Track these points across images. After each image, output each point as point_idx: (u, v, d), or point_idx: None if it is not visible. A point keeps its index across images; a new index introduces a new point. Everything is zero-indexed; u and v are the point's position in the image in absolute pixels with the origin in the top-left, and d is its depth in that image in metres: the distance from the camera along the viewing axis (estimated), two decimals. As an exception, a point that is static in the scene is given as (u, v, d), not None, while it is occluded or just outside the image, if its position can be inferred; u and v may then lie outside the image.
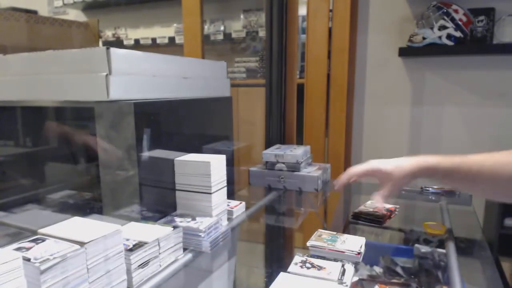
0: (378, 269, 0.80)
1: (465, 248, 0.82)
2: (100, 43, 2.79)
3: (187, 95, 1.05)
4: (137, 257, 0.68)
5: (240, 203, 1.08)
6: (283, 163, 1.36)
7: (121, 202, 0.85)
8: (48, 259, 0.53)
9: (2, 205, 1.02)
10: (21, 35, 1.21)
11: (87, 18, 3.38)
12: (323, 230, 0.86)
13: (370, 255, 0.79)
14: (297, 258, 0.74)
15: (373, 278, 0.74)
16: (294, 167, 1.35)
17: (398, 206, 1.11)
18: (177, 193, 0.94)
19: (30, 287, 0.52)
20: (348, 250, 0.76)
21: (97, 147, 0.84)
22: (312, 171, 1.36)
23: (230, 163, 1.12)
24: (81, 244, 0.57)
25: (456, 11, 1.68)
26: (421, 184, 1.34)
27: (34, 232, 0.62)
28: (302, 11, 1.95)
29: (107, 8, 3.29)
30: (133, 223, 0.80)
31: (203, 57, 2.13)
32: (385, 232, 1.01)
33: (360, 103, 2.04)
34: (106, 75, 0.79)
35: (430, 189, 1.32)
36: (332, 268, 0.71)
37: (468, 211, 1.16)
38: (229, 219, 1.01)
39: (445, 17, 1.69)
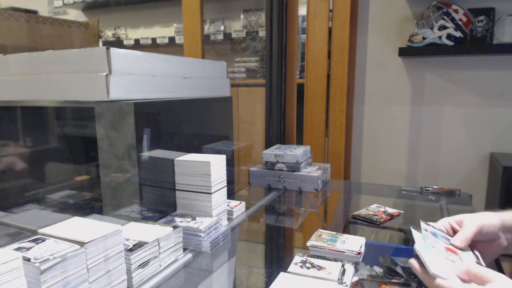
0: (378, 269, 0.80)
1: (465, 248, 0.81)
2: (100, 43, 2.79)
3: (187, 95, 1.05)
4: (137, 257, 0.68)
5: (240, 203, 1.08)
6: (283, 163, 1.36)
7: (121, 202, 0.85)
8: (48, 259, 0.53)
9: (3, 205, 1.02)
10: (21, 35, 1.21)
11: (87, 18, 3.38)
12: (323, 230, 0.86)
13: (370, 255, 0.79)
14: (297, 258, 0.74)
15: (373, 278, 0.74)
16: (294, 167, 1.35)
17: (402, 212, 1.11)
18: (177, 193, 0.94)
19: (30, 287, 0.52)
20: (348, 250, 0.76)
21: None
22: (312, 171, 1.36)
23: (230, 163, 1.12)
24: (81, 244, 0.57)
25: (456, 11, 1.68)
26: (421, 184, 1.34)
27: (34, 232, 0.62)
28: (302, 11, 1.95)
29: (107, 8, 3.29)
30: (133, 223, 0.80)
31: (203, 57, 2.13)
32: (385, 232, 1.01)
33: (360, 103, 2.04)
34: (106, 75, 0.79)
35: (430, 189, 1.32)
36: (332, 268, 0.71)
37: (468, 211, 1.16)
38: (229, 219, 1.01)
39: (445, 17, 1.69)
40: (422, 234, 0.68)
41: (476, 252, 0.67)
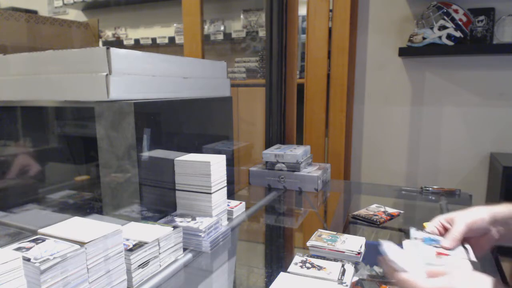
0: (378, 269, 0.80)
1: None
2: (100, 43, 2.79)
3: (187, 95, 1.05)
4: (137, 257, 0.68)
5: (240, 203, 1.08)
6: (283, 163, 1.36)
7: (121, 202, 0.85)
8: (48, 259, 0.53)
9: (3, 205, 1.02)
10: (21, 35, 1.21)
11: (87, 18, 3.38)
12: (323, 230, 0.86)
13: (370, 255, 0.79)
14: (297, 258, 0.74)
15: (373, 278, 0.74)
16: (294, 167, 1.35)
17: (402, 212, 1.11)
18: (177, 193, 0.94)
19: (30, 287, 0.52)
20: (348, 250, 0.76)
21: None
22: (312, 171, 1.36)
23: (230, 163, 1.12)
24: (81, 244, 0.57)
25: (456, 11, 1.68)
26: (421, 184, 1.34)
27: (34, 232, 0.62)
28: (302, 11, 1.95)
29: (107, 8, 3.29)
30: (133, 223, 0.80)
31: (203, 57, 2.13)
32: (385, 232, 1.01)
33: (360, 103, 2.04)
34: (106, 75, 0.79)
35: (430, 189, 1.32)
36: (332, 268, 0.71)
37: (468, 211, 1.16)
38: (229, 219, 1.01)
39: (445, 17, 1.69)
40: (412, 242, 0.71)
41: (467, 246, 0.70)
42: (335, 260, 0.74)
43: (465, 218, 0.71)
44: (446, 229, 0.74)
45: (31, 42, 1.22)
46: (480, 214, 0.71)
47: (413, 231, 0.76)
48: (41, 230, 0.62)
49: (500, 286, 0.52)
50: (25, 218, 0.98)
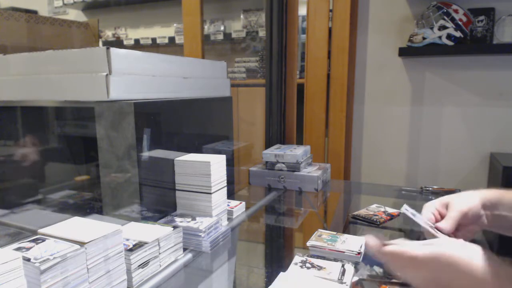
0: (378, 269, 0.80)
1: (465, 248, 0.81)
2: (100, 43, 2.79)
3: (187, 95, 1.05)
4: (137, 257, 0.68)
5: (240, 203, 1.08)
6: (283, 163, 1.36)
7: (121, 202, 0.85)
8: (48, 259, 0.53)
9: (3, 205, 1.02)
10: (21, 35, 1.21)
11: (87, 18, 3.38)
12: (323, 230, 0.86)
13: (370, 255, 0.79)
14: (297, 258, 0.74)
15: (373, 278, 0.74)
16: (294, 167, 1.35)
17: (402, 212, 1.11)
18: (177, 193, 0.94)
19: (30, 287, 0.52)
20: (348, 250, 0.76)
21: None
22: (312, 171, 1.36)
23: (230, 163, 1.12)
24: (81, 244, 0.57)
25: (456, 11, 1.68)
26: (421, 184, 1.34)
27: (34, 232, 0.62)
28: (302, 11, 1.95)
29: (107, 8, 3.29)
30: (133, 223, 0.80)
31: (203, 57, 2.13)
32: (385, 232, 1.01)
33: (360, 103, 2.04)
34: (106, 75, 0.79)
35: (430, 189, 1.32)
36: (332, 268, 0.71)
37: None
38: (229, 219, 1.01)
39: (445, 17, 1.69)
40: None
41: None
42: (335, 260, 0.74)
43: (460, 206, 0.71)
44: (442, 216, 0.74)
45: (31, 42, 1.22)
46: (473, 200, 0.71)
47: (406, 210, 0.74)
48: (41, 230, 0.62)
49: (489, 254, 0.52)
50: (25, 218, 0.98)
